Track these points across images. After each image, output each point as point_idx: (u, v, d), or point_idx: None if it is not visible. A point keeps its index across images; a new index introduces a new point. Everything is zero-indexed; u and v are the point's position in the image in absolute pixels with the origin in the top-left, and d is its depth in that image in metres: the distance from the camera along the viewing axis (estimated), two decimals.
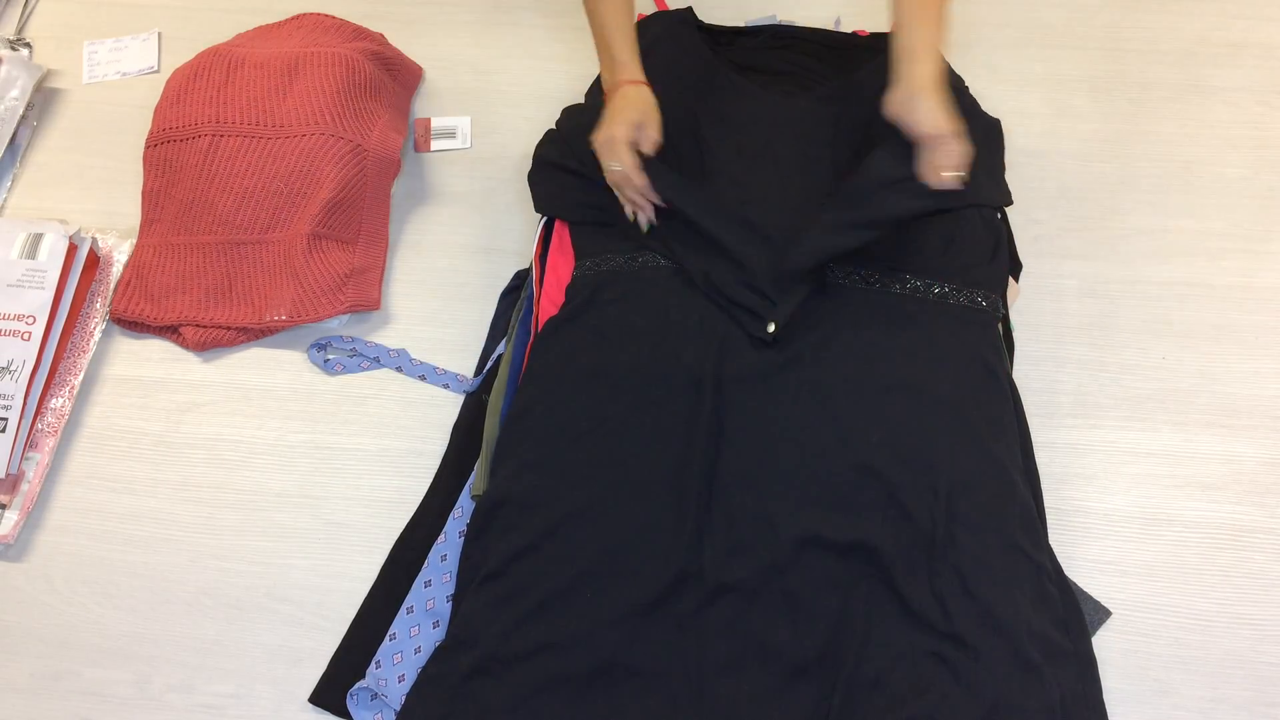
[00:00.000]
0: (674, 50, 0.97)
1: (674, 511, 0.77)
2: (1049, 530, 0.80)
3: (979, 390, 0.81)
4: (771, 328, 0.81)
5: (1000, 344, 0.85)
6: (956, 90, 0.96)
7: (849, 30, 1.05)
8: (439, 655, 0.76)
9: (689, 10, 1.02)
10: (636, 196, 0.85)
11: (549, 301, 0.89)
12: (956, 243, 0.86)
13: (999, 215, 0.91)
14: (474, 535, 0.79)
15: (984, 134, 0.92)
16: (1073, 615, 0.76)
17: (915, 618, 0.73)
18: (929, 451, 0.78)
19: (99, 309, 0.98)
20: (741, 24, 1.05)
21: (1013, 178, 0.99)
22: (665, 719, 0.72)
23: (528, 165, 1.05)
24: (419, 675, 0.76)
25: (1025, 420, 0.83)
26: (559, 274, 0.90)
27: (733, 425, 0.80)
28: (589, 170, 0.87)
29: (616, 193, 0.86)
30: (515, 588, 0.75)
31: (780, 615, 0.74)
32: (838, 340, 0.82)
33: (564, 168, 0.92)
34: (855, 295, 0.84)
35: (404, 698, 0.76)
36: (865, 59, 0.99)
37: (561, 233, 0.92)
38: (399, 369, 0.94)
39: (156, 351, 0.97)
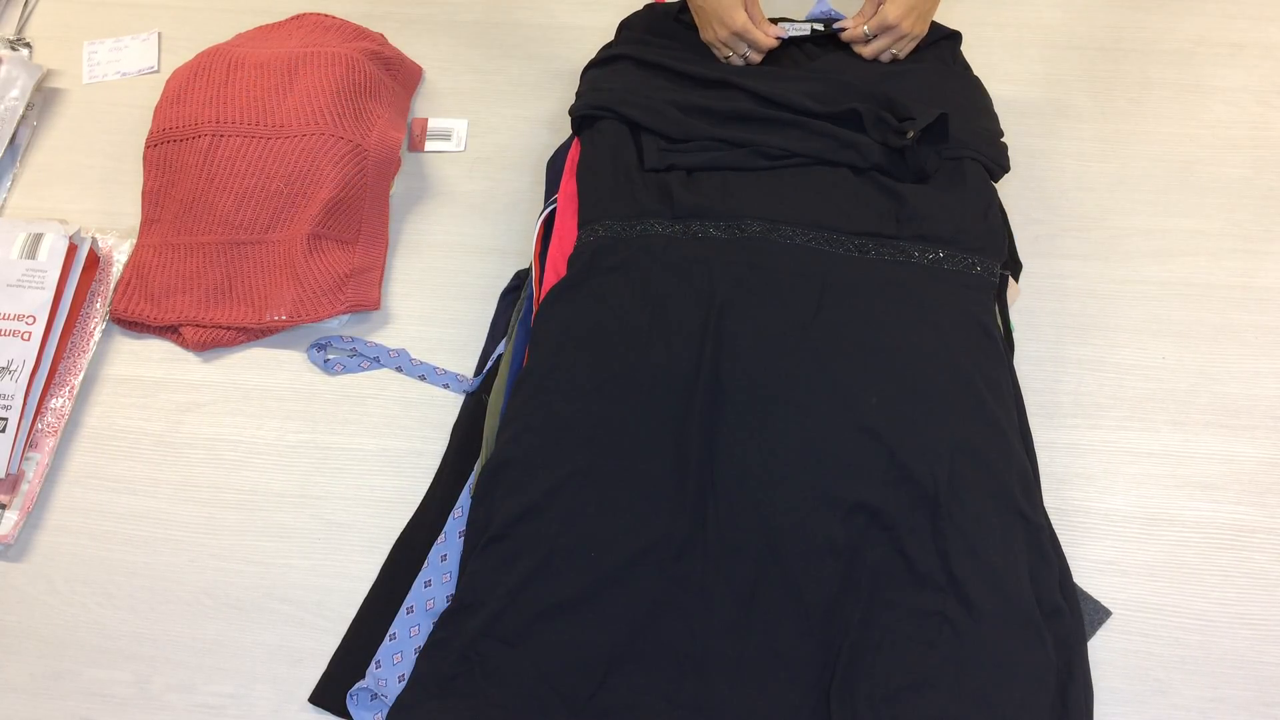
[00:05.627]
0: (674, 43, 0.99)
1: (675, 471, 0.78)
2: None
3: (976, 352, 0.82)
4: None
5: (994, 309, 0.86)
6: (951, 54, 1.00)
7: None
8: (446, 619, 0.76)
9: None
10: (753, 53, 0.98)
11: None
12: (950, 210, 0.87)
13: (990, 179, 0.92)
14: (479, 498, 0.80)
15: (970, 92, 0.97)
16: (1065, 577, 0.77)
17: (919, 578, 0.74)
18: (929, 413, 0.78)
19: (99, 309, 0.98)
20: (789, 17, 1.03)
21: (1013, 177, 0.99)
22: (669, 678, 0.73)
23: (528, 165, 1.05)
24: (427, 640, 0.77)
25: (1018, 383, 0.84)
26: (559, 272, 0.90)
27: (732, 386, 0.80)
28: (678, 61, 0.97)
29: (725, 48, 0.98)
30: (519, 549, 0.76)
31: (784, 575, 0.75)
32: (835, 306, 0.83)
33: (643, 61, 0.98)
34: (851, 263, 0.86)
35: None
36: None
37: (561, 232, 0.92)
38: (399, 369, 0.94)
39: (156, 351, 0.97)
